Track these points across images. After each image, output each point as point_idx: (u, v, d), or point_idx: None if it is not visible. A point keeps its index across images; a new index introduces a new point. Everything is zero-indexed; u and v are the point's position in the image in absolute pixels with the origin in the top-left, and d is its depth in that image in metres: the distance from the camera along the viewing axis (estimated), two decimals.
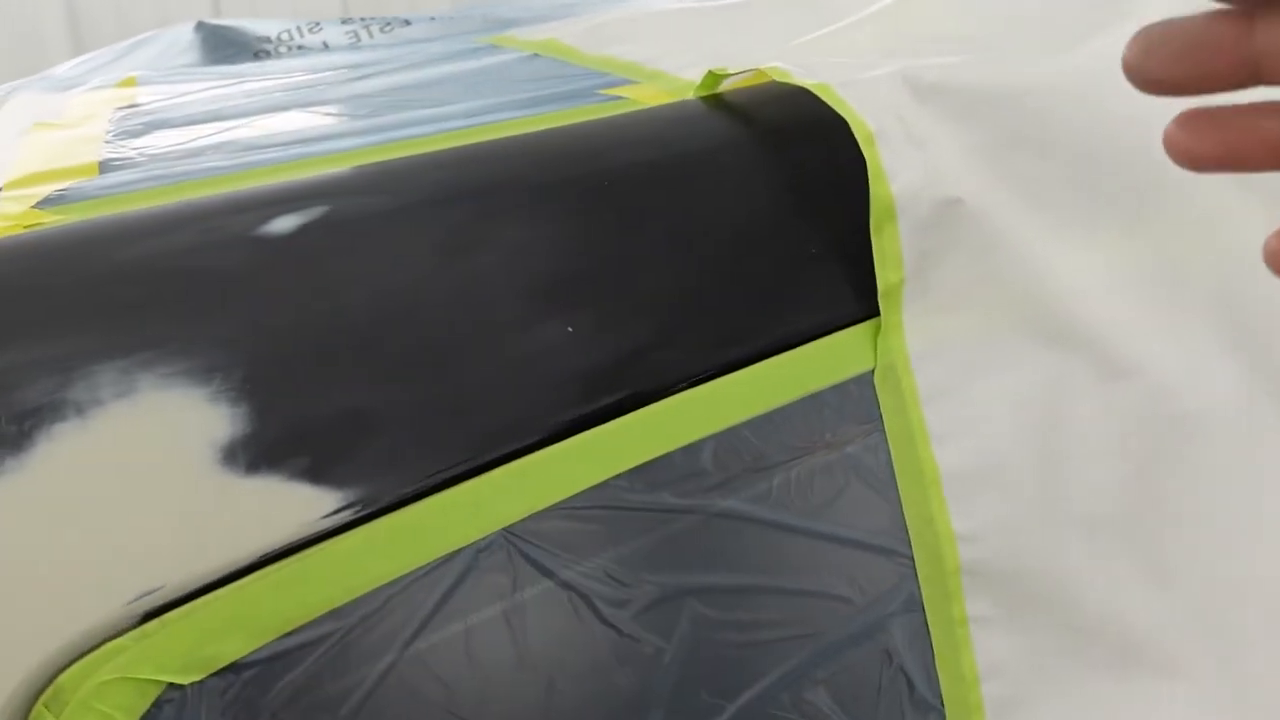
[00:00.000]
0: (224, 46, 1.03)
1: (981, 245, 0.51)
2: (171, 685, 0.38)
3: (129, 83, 0.85)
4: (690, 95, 0.60)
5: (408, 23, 1.06)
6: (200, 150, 0.57)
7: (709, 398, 0.47)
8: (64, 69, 1.02)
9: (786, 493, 0.48)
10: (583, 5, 1.15)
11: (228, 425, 0.40)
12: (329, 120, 0.63)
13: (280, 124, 0.63)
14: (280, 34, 1.04)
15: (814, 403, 0.49)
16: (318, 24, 1.07)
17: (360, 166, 0.50)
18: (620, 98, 0.62)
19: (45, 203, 0.51)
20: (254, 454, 0.40)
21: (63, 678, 0.37)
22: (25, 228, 0.49)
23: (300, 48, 1.03)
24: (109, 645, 0.38)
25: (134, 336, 0.41)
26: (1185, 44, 0.25)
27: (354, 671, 0.41)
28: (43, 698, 0.37)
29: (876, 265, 0.50)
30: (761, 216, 0.51)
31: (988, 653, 0.50)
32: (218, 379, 0.41)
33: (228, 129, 0.62)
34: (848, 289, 0.51)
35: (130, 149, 0.59)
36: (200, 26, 1.06)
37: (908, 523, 0.50)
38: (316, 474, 0.41)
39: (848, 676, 0.48)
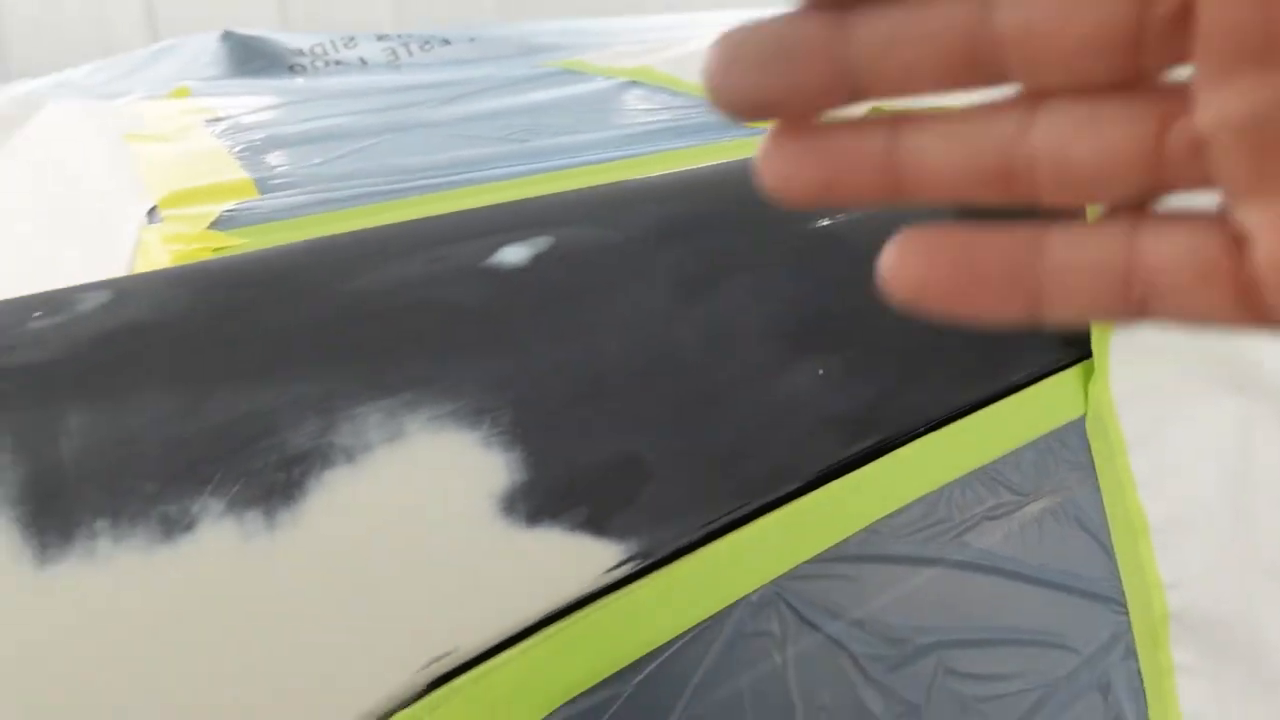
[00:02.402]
0: (253, 59, 0.98)
1: None
2: None
3: (182, 92, 0.80)
4: None
5: (447, 41, 1.02)
6: (352, 173, 0.53)
7: (951, 442, 0.45)
8: (82, 75, 0.95)
9: (1019, 540, 0.46)
10: (613, 33, 1.13)
11: (504, 473, 0.37)
12: (464, 142, 0.60)
13: (415, 145, 0.59)
14: (313, 47, 0.99)
15: (1037, 448, 0.48)
16: (352, 38, 1.02)
17: (569, 195, 0.48)
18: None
19: (219, 224, 0.47)
20: (534, 504, 0.37)
21: None
22: (213, 251, 0.45)
23: (337, 63, 0.98)
24: (399, 717, 0.34)
25: (393, 375, 0.38)
26: (768, 50, 0.20)
27: None
28: None
29: None
30: None
31: (1191, 702, 0.50)
32: (487, 422, 0.38)
33: (358, 150, 0.59)
34: (1061, 332, 0.51)
35: (268, 168, 0.55)
36: (228, 37, 1.00)
37: (1120, 570, 0.49)
38: (598, 525, 0.38)
39: None
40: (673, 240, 0.46)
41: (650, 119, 0.65)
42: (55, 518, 0.33)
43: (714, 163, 0.52)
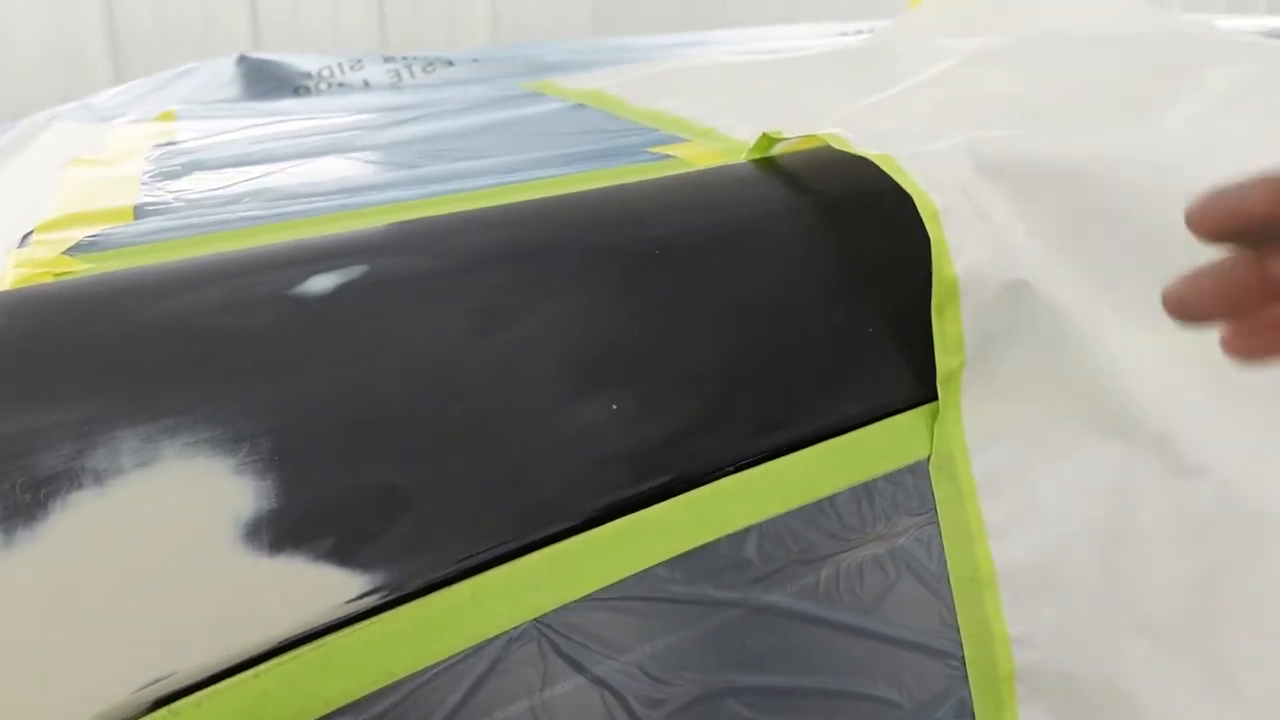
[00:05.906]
0: (265, 80, 1.02)
1: (1047, 330, 0.49)
2: None
3: (168, 116, 0.84)
4: (743, 157, 0.58)
5: (450, 63, 1.05)
6: (238, 197, 0.55)
7: (756, 484, 0.44)
8: (103, 99, 1.02)
9: (834, 587, 0.45)
10: (630, 50, 1.14)
11: (253, 500, 0.38)
12: (367, 168, 0.62)
13: (318, 171, 0.61)
14: (321, 70, 1.03)
15: (865, 491, 0.46)
16: (359, 61, 1.06)
17: (400, 224, 0.48)
18: (669, 156, 0.60)
19: (76, 249, 0.49)
20: (279, 532, 0.38)
21: None
22: (54, 275, 0.47)
23: (341, 85, 1.02)
24: None
25: (158, 401, 0.39)
26: (1219, 285, 0.30)
27: None
28: None
29: (937, 348, 0.47)
30: (816, 291, 0.49)
31: None
32: (244, 449, 0.39)
33: (265, 174, 0.61)
34: (904, 371, 0.49)
35: (167, 192, 0.57)
36: (242, 60, 1.05)
37: (960, 623, 0.47)
38: (343, 555, 0.39)
39: None
40: (485, 269, 0.46)
41: (572, 144, 0.65)
42: None
43: (562, 191, 0.52)
